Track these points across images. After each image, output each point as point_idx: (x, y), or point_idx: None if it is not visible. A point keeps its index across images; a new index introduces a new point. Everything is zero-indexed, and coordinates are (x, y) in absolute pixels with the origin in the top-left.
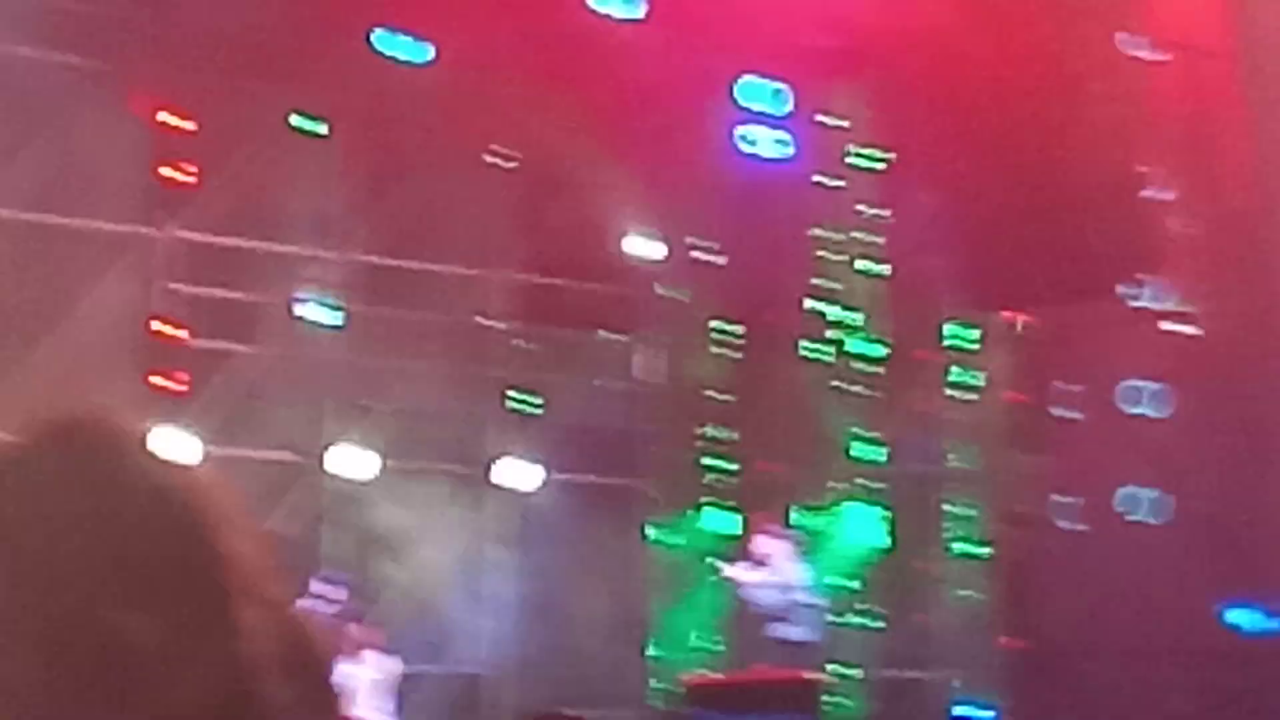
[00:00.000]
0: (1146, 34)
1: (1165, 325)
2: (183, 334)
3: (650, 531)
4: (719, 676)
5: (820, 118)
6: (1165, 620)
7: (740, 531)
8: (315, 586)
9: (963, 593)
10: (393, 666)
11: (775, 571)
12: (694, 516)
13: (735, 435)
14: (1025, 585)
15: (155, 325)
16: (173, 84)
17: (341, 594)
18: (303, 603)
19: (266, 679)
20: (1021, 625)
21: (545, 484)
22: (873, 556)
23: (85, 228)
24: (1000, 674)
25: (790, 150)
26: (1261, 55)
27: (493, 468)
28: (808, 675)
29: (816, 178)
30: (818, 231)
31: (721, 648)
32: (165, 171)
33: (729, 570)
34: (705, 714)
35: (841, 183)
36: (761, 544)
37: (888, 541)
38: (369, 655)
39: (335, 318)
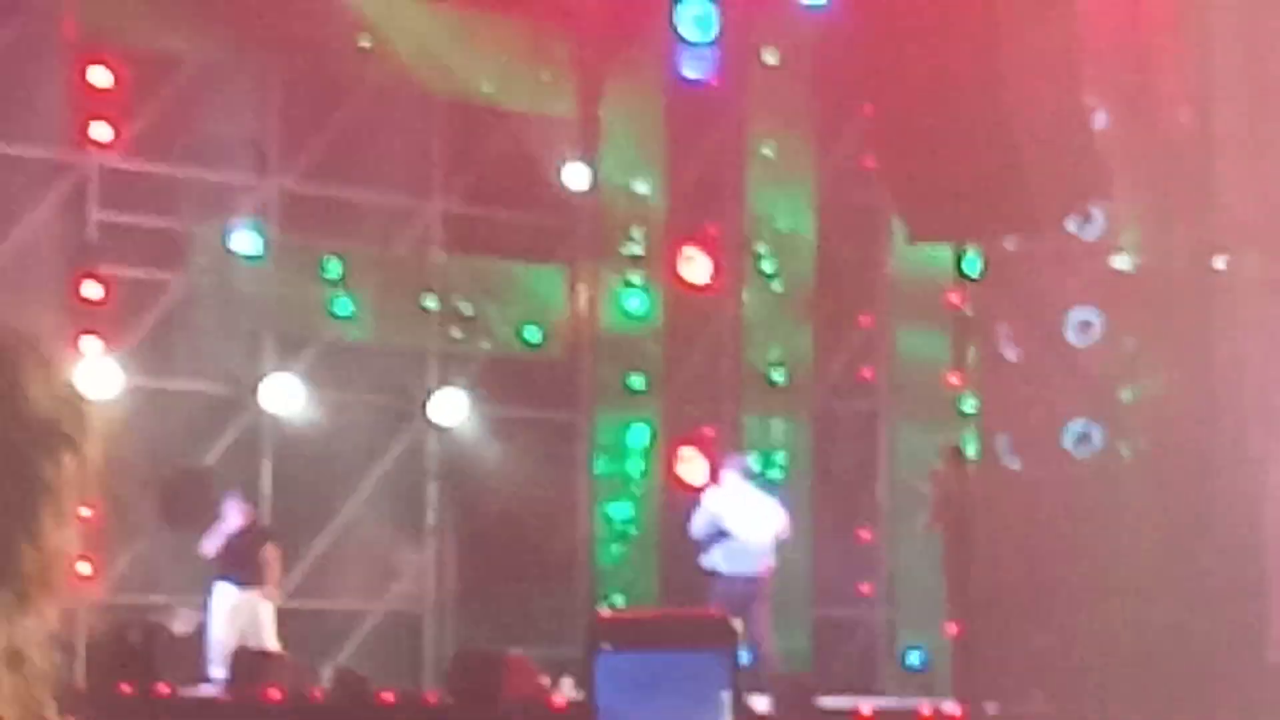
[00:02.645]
0: None
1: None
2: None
3: (590, 463)
4: (632, 612)
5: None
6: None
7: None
8: (227, 507)
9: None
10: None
11: (714, 501)
12: (623, 436)
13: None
14: (969, 523)
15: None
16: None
17: (250, 516)
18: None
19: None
20: (964, 562)
21: (481, 416)
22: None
23: (19, 155)
24: (943, 611)
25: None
26: None
27: (429, 401)
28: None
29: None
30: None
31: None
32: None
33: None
34: (617, 650)
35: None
36: (721, 476)
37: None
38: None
39: (264, 247)
